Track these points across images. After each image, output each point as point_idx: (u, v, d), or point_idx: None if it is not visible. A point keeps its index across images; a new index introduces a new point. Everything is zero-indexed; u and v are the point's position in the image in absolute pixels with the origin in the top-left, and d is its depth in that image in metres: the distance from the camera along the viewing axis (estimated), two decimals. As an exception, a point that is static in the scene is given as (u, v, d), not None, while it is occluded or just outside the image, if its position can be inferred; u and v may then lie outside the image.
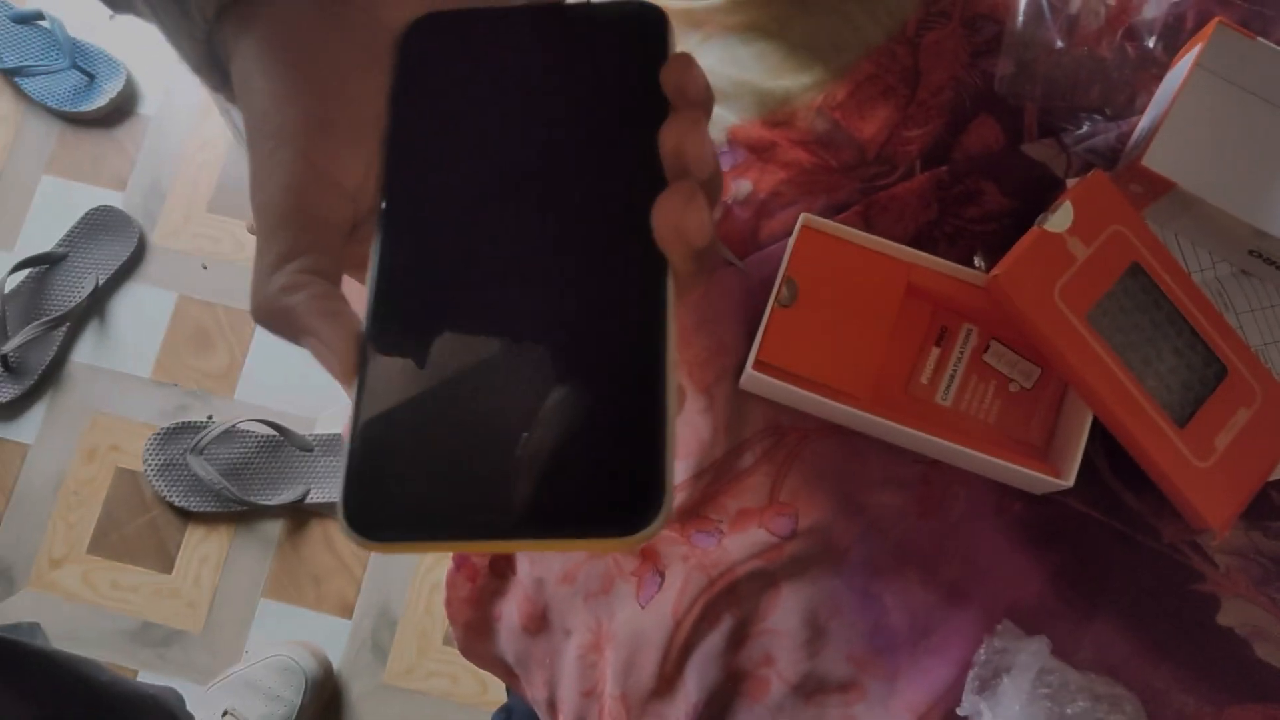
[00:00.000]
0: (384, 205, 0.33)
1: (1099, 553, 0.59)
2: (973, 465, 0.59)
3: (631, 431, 0.28)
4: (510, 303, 0.30)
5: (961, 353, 0.61)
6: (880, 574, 0.59)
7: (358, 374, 0.30)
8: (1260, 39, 0.59)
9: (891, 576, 0.59)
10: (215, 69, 0.38)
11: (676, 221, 0.30)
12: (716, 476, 0.61)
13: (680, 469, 0.61)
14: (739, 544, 0.60)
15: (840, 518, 0.60)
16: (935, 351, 0.61)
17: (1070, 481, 0.55)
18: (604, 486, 0.27)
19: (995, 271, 0.54)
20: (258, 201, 0.34)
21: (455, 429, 0.29)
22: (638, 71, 0.33)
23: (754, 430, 0.62)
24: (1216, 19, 0.59)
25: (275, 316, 0.32)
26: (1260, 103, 0.62)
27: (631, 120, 0.32)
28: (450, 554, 0.67)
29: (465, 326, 0.30)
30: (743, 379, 0.60)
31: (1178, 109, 0.59)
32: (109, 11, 0.41)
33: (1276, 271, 0.59)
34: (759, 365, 0.58)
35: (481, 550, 0.29)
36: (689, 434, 0.62)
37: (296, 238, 0.33)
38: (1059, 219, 0.54)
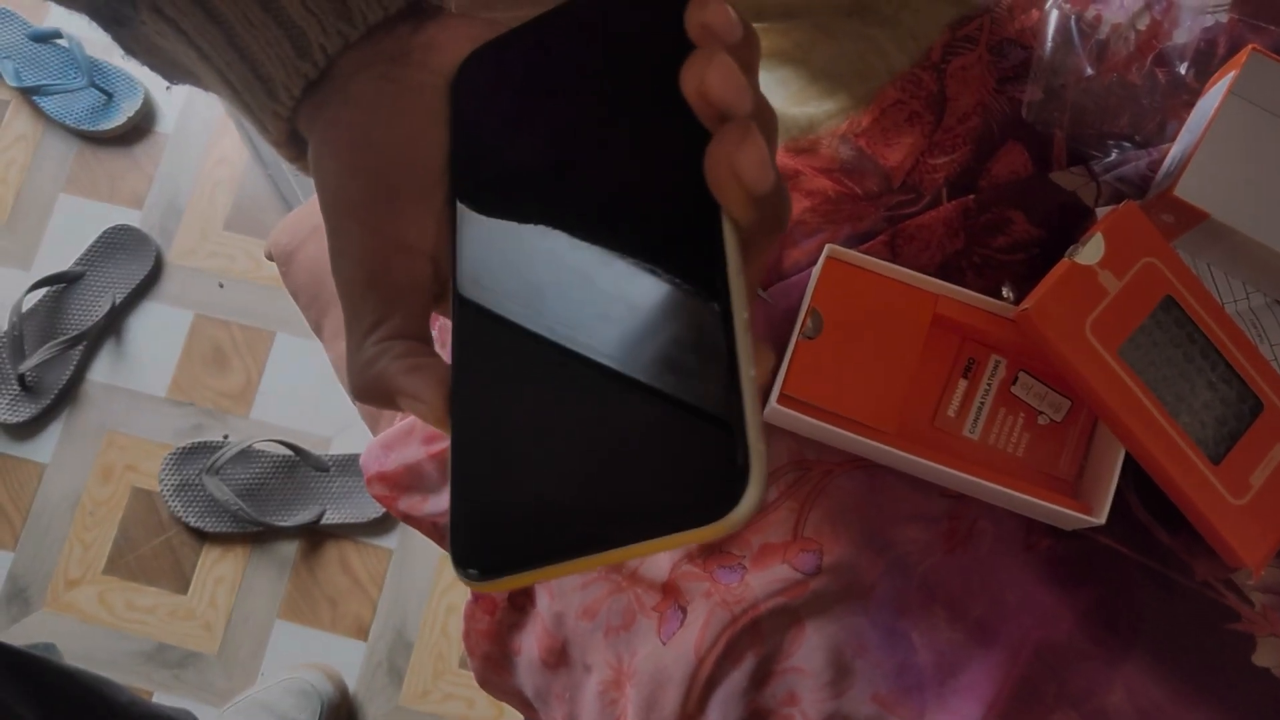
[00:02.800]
0: (454, 244, 0.33)
1: (1131, 591, 0.58)
2: (1001, 500, 0.58)
3: (707, 412, 0.27)
4: (581, 311, 0.30)
5: (989, 385, 0.60)
6: (906, 611, 0.58)
7: (450, 419, 0.31)
8: (1295, 66, 0.58)
9: (918, 614, 0.58)
10: (295, 143, 0.38)
11: (729, 161, 0.27)
12: (739, 511, 0.60)
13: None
14: (762, 580, 0.59)
15: (865, 554, 0.59)
16: (963, 383, 0.60)
17: (1102, 519, 0.54)
18: (691, 476, 0.26)
19: (1025, 305, 0.53)
20: (339, 281, 0.34)
21: (547, 452, 0.29)
22: (676, 42, 0.30)
23: (778, 464, 0.61)
24: (1250, 45, 0.58)
25: (369, 386, 0.33)
26: (1295, 131, 0.61)
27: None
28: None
29: (542, 347, 0.30)
30: (766, 412, 0.59)
31: (1211, 137, 0.58)
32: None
33: (1312, 303, 0.58)
34: (783, 399, 0.57)
35: (590, 566, 0.28)
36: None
37: (378, 308, 0.33)
38: (1090, 251, 0.53)
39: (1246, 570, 0.56)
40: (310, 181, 0.40)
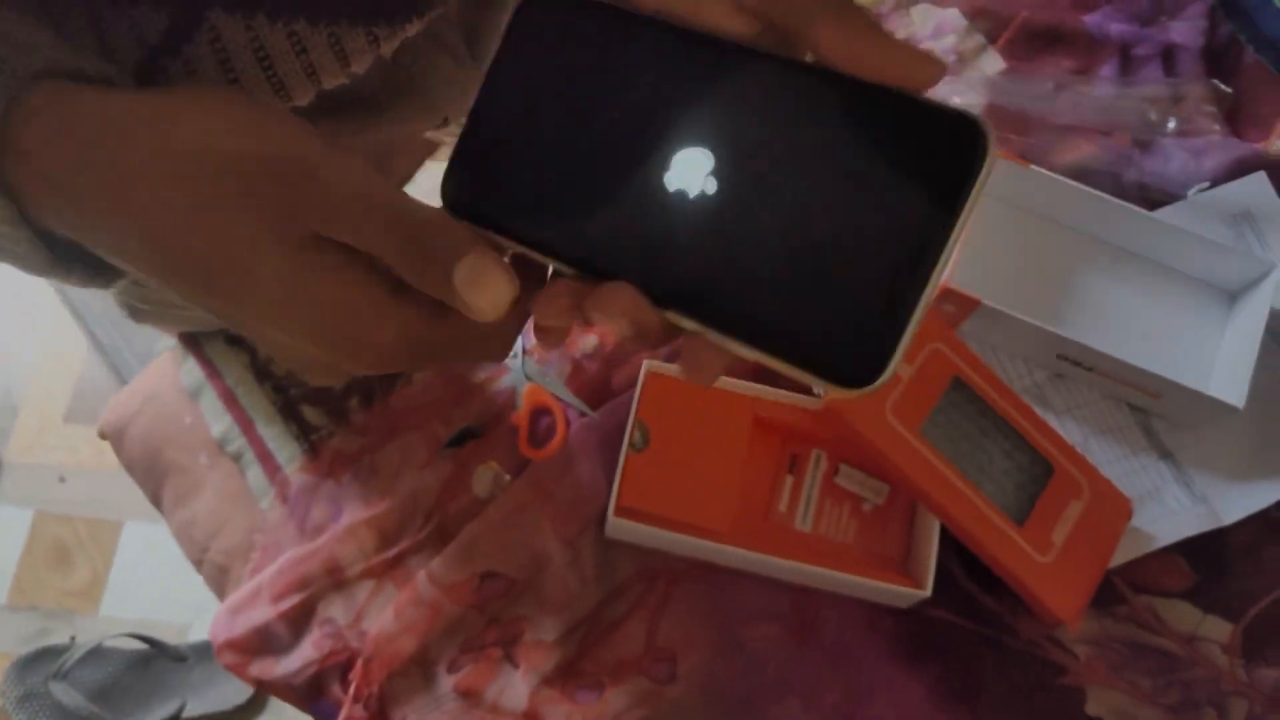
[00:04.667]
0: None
1: (970, 658, 0.61)
2: (839, 586, 0.61)
3: (892, 276, 0.26)
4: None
5: (814, 478, 0.63)
6: (764, 708, 0.59)
7: None
8: (1033, 166, 0.65)
9: (775, 709, 0.59)
10: (69, 261, 0.37)
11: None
12: (591, 629, 0.61)
13: (551, 626, 0.61)
14: (621, 696, 0.59)
15: (719, 656, 0.61)
16: (789, 479, 0.63)
17: (927, 590, 0.57)
18: (843, 320, 0.26)
19: (827, 398, 0.57)
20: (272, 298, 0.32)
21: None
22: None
23: (624, 577, 0.62)
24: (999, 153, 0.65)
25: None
26: (1040, 220, 0.68)
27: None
28: None
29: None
30: (607, 527, 0.61)
31: (975, 233, 0.65)
32: None
33: (1085, 372, 0.64)
34: (620, 511, 0.59)
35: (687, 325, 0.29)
36: (558, 589, 0.62)
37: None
38: None
39: (1064, 626, 0.59)
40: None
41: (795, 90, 0.29)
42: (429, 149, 0.74)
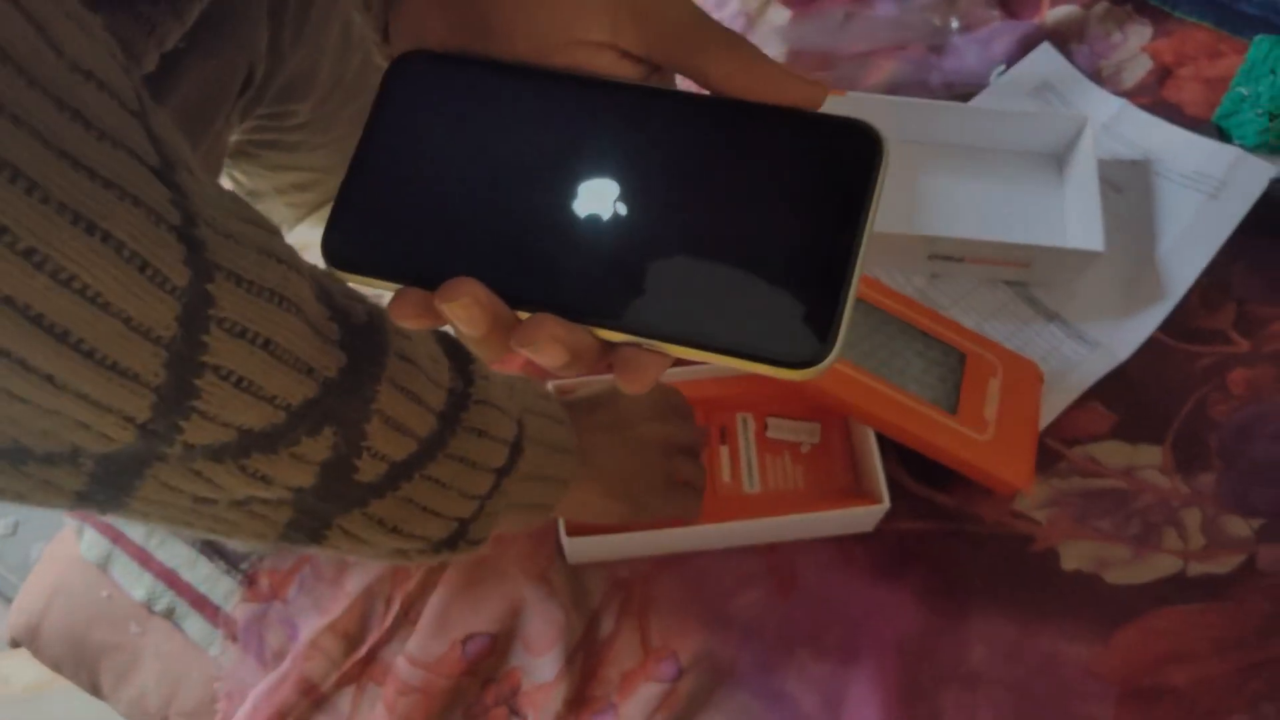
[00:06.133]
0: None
1: (945, 556, 0.62)
2: (805, 530, 0.61)
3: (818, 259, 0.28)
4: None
5: (747, 440, 0.64)
6: (775, 669, 0.60)
7: None
8: (849, 92, 0.68)
9: (786, 666, 0.60)
10: None
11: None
12: (587, 654, 0.60)
13: (547, 665, 0.60)
14: (635, 708, 0.59)
15: (716, 637, 0.60)
16: (724, 450, 0.64)
17: (886, 501, 0.58)
18: (781, 312, 0.28)
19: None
20: None
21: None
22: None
23: (600, 595, 0.61)
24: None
25: None
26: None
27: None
28: None
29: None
30: (568, 553, 0.60)
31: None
32: None
33: (958, 264, 0.67)
34: (572, 531, 0.58)
35: (623, 337, 0.29)
36: (542, 627, 0.60)
37: None
38: None
39: (1021, 492, 0.62)
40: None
41: (697, 116, 0.30)
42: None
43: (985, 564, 0.62)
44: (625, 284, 0.29)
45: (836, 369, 0.58)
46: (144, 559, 0.66)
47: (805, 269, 0.28)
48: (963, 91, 0.75)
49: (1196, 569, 0.62)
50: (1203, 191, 0.70)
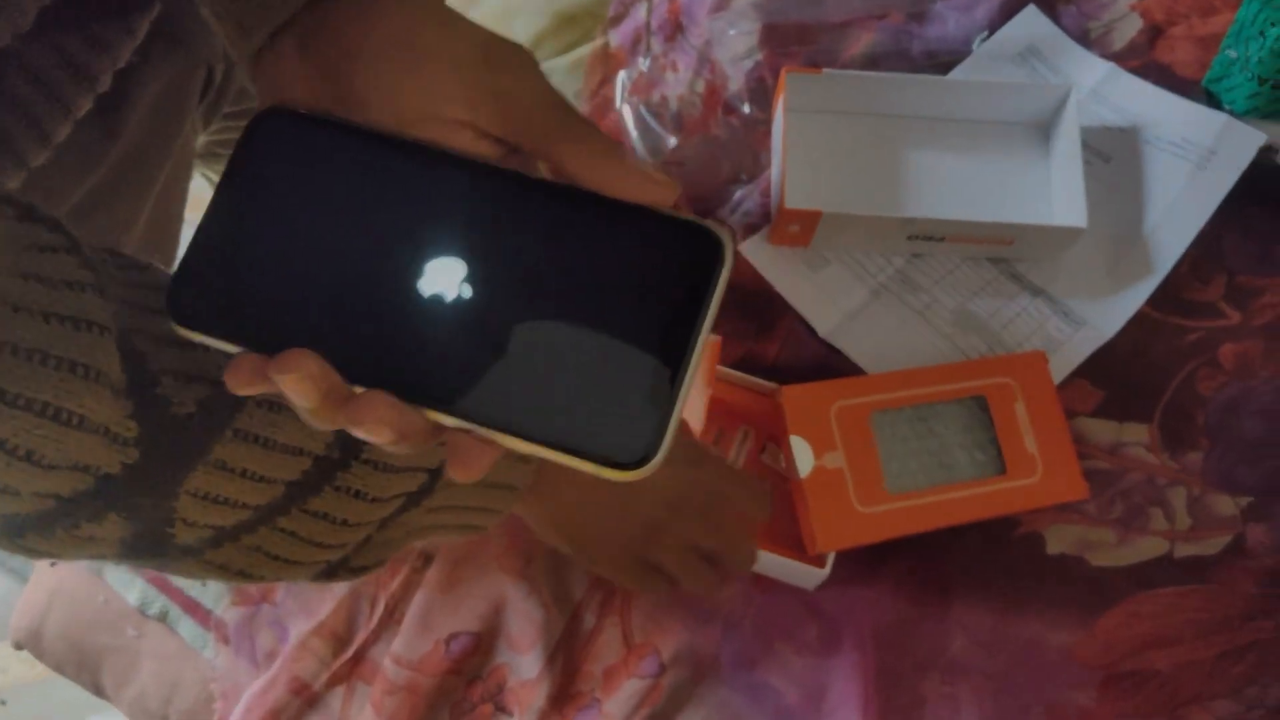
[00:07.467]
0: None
1: (927, 543, 0.62)
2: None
3: (650, 366, 0.28)
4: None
5: (738, 453, 0.64)
6: (756, 662, 0.60)
7: None
8: (826, 70, 0.67)
9: (767, 660, 0.60)
10: None
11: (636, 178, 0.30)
12: (569, 650, 0.61)
13: (531, 662, 0.60)
14: (619, 703, 0.59)
15: (696, 633, 0.61)
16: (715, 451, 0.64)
17: (827, 569, 0.59)
18: (614, 412, 0.28)
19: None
20: None
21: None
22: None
23: (581, 592, 0.62)
24: (784, 69, 0.66)
25: None
26: (851, 118, 0.70)
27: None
28: None
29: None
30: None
31: (790, 151, 0.66)
32: None
33: (938, 244, 0.66)
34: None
35: (447, 420, 0.29)
36: (525, 624, 0.61)
37: None
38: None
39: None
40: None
41: (547, 205, 0.30)
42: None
43: (968, 549, 0.62)
44: (461, 369, 0.29)
45: (900, 510, 0.58)
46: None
47: (639, 369, 0.28)
48: (946, 60, 0.73)
49: (1184, 550, 0.61)
50: (1191, 160, 0.68)
